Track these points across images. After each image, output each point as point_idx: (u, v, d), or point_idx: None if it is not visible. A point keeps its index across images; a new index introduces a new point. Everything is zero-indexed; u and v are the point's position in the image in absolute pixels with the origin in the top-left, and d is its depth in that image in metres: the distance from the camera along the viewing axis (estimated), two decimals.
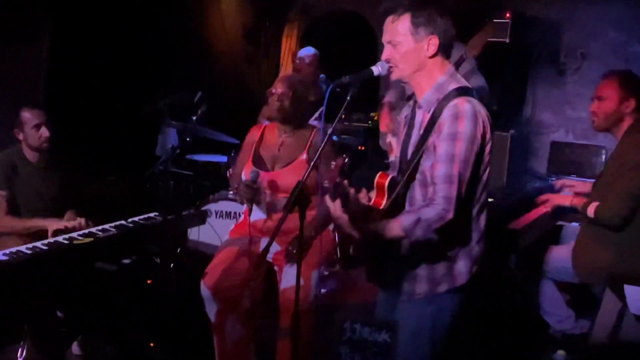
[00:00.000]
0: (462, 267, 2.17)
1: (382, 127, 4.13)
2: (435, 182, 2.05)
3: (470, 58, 3.70)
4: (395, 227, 2.05)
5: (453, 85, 2.13)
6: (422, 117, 2.19)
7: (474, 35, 3.74)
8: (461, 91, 2.11)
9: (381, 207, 2.19)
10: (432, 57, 2.13)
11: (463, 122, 2.03)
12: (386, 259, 2.21)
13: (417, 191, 2.16)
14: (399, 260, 2.19)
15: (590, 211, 3.14)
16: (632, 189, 3.06)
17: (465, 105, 2.05)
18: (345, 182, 2.04)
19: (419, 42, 2.12)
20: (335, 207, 2.02)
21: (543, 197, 3.60)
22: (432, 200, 2.05)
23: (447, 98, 2.09)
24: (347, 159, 2.04)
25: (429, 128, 2.10)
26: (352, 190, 2.08)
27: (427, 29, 2.10)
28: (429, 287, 2.18)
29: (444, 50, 2.15)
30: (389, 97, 4.09)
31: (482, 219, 2.19)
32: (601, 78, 3.34)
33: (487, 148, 2.12)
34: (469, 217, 2.16)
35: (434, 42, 2.11)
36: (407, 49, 2.12)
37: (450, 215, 2.02)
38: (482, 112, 2.08)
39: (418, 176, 2.14)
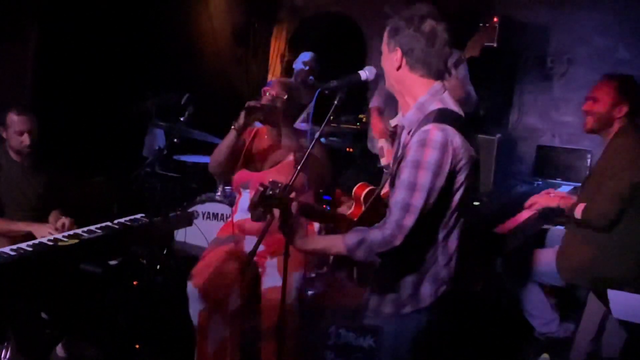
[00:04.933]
0: (427, 290, 2.11)
1: (375, 133, 4.13)
2: (391, 206, 1.98)
3: (465, 63, 3.71)
4: (339, 244, 2.03)
5: (435, 106, 2.03)
6: (404, 137, 2.14)
7: (469, 39, 3.75)
8: (440, 115, 2.00)
9: (357, 218, 2.19)
10: (399, 69, 2.06)
11: (429, 151, 1.93)
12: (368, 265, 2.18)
13: None
14: (373, 272, 2.16)
15: (578, 212, 3.17)
16: (620, 190, 3.08)
17: (436, 133, 1.93)
18: (293, 194, 2.05)
19: (390, 53, 2.08)
20: (276, 216, 2.02)
21: (531, 199, 3.62)
22: (383, 223, 1.99)
23: (426, 119, 1.99)
24: (276, 184, 2.03)
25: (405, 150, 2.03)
26: (294, 204, 2.05)
27: (395, 40, 2.05)
28: (393, 308, 2.13)
29: (419, 66, 2.05)
30: (375, 102, 4.09)
31: (452, 243, 2.10)
32: (600, 79, 3.33)
33: (461, 177, 2.01)
34: (435, 243, 2.08)
35: (398, 55, 2.05)
36: (384, 57, 2.11)
37: (397, 243, 1.95)
38: (456, 140, 1.96)
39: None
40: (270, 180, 2.05)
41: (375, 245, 1.98)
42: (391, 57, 2.07)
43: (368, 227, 2.04)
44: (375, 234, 1.98)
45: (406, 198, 1.95)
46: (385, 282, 2.13)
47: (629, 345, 3.24)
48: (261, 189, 2.00)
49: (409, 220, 1.95)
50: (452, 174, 1.98)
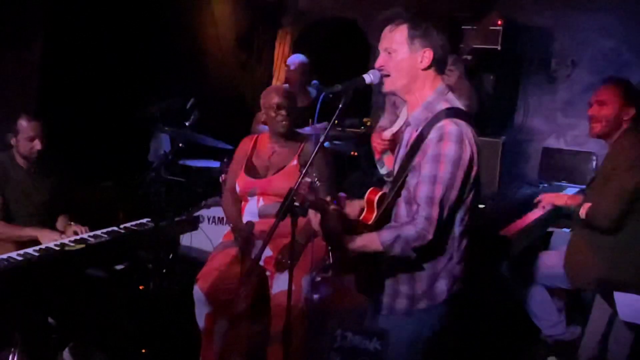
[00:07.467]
0: (442, 285, 2.17)
1: (375, 150, 4.09)
2: (418, 203, 2.06)
3: (459, 64, 3.70)
4: (375, 241, 2.08)
5: (442, 105, 2.12)
6: (409, 135, 2.20)
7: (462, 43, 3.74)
8: (451, 112, 2.09)
9: (370, 222, 2.20)
10: (425, 69, 2.13)
11: (447, 144, 2.02)
12: (371, 270, 2.21)
13: (402, 208, 2.15)
14: (381, 274, 2.20)
15: (583, 212, 3.16)
16: (623, 190, 3.07)
17: (452, 127, 2.04)
18: (328, 198, 2.06)
19: (414, 53, 2.12)
20: (314, 220, 2.05)
21: (540, 196, 3.63)
22: (414, 219, 2.06)
23: (436, 118, 2.08)
24: (315, 179, 2.04)
25: (415, 146, 2.10)
26: (332, 207, 2.08)
27: (422, 41, 2.11)
28: (408, 303, 2.18)
29: (437, 65, 2.15)
30: (384, 121, 4.03)
31: (465, 241, 2.18)
32: (602, 83, 3.34)
33: (474, 170, 2.10)
34: (452, 239, 2.15)
35: (428, 55, 2.11)
36: (402, 58, 2.13)
37: (430, 237, 2.03)
38: (470, 134, 2.07)
39: (404, 193, 2.14)
40: (311, 174, 2.05)
41: (410, 241, 2.04)
42: (415, 57, 2.12)
43: (400, 224, 2.10)
44: (409, 230, 2.04)
45: (429, 192, 2.03)
46: (401, 276, 2.18)
47: (636, 347, 3.23)
48: (308, 180, 2.00)
49: (436, 213, 2.03)
50: (469, 166, 2.07)
